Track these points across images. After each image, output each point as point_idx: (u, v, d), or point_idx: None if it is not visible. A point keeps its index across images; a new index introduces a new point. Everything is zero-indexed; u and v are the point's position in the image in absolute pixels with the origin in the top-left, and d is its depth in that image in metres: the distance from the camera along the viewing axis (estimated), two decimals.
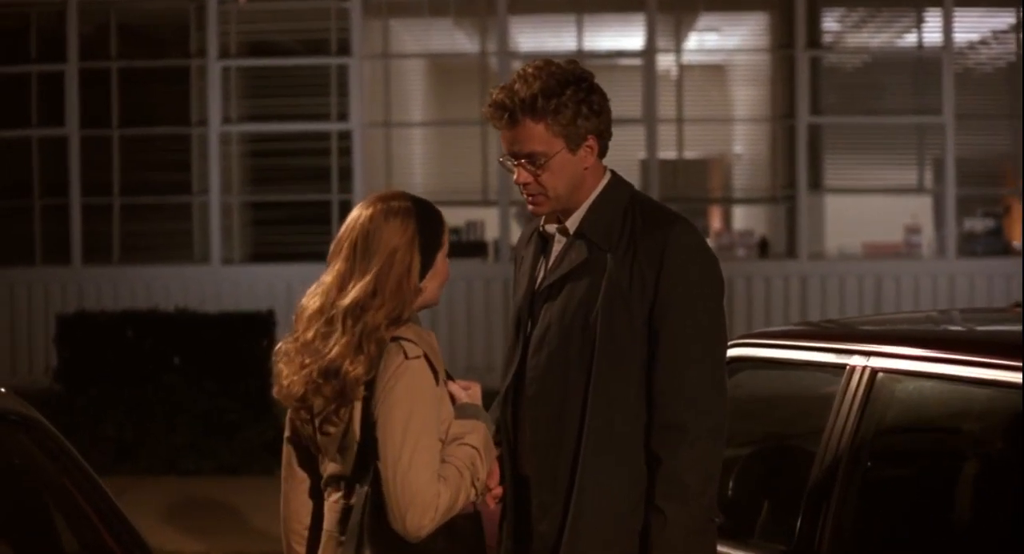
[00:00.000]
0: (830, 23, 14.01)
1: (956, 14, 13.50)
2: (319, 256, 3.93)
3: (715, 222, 16.09)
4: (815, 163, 13.66)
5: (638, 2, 13.70)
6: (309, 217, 13.69)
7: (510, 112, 3.64)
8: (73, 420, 10.71)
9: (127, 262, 13.78)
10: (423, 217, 3.53)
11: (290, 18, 13.96)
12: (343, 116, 13.74)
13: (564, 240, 3.75)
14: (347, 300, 3.42)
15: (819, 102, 13.73)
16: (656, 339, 3.57)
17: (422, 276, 3.51)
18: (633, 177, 13.69)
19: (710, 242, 14.11)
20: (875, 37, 14.30)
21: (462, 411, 3.52)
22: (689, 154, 14.46)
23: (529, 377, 3.71)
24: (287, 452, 3.67)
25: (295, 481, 3.68)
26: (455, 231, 13.82)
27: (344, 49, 13.71)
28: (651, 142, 13.67)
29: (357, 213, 3.53)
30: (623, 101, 13.76)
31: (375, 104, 13.90)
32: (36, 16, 14.00)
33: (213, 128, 13.71)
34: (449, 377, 3.59)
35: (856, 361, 4.08)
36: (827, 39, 13.96)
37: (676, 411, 3.54)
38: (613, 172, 3.79)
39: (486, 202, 13.56)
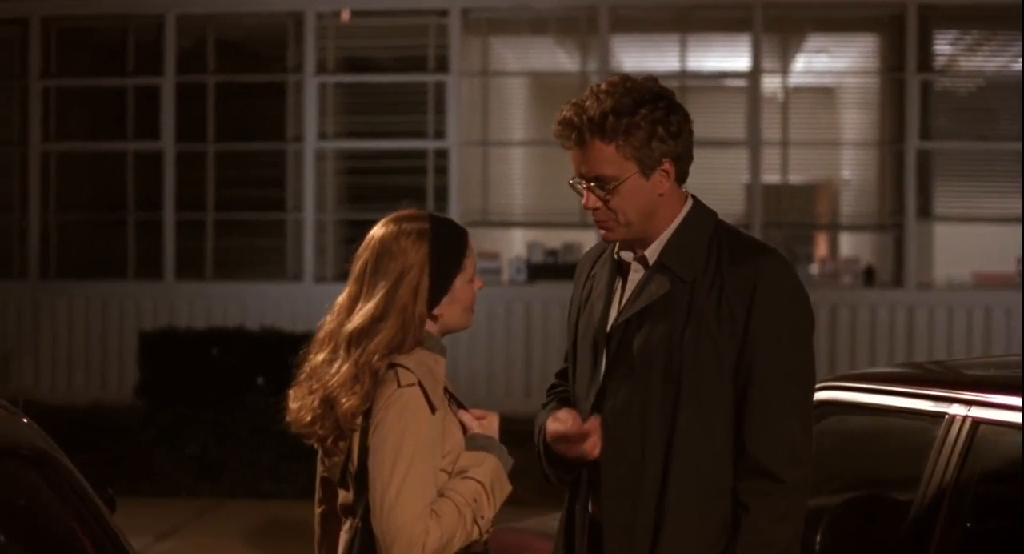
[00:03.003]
0: (942, 46, 13.63)
1: None
2: None
3: (820, 248, 15.76)
4: (924, 189, 13.29)
5: (744, 22, 13.41)
6: None
7: (578, 131, 3.36)
8: (156, 437, 10.65)
9: (219, 278, 13.71)
10: (439, 239, 3.36)
11: (388, 34, 13.85)
12: (440, 134, 13.57)
13: (642, 270, 3.46)
14: (351, 326, 3.30)
15: (929, 127, 13.35)
16: (748, 380, 3.31)
17: (436, 301, 3.34)
18: (736, 201, 13.44)
19: (814, 269, 13.93)
20: (989, 61, 13.90)
21: (472, 442, 3.37)
22: (794, 178, 14.16)
23: (606, 411, 3.43)
24: (318, 472, 3.59)
25: (323, 505, 3.62)
26: (551, 253, 13.61)
27: (442, 66, 13.54)
28: (755, 165, 13.36)
29: (372, 232, 3.39)
30: (727, 123, 13.48)
31: (473, 122, 13.72)
32: (134, 30, 14.00)
33: (309, 144, 13.60)
34: (461, 406, 3.43)
35: (956, 410, 3.79)
36: (939, 62, 13.57)
37: (772, 460, 3.29)
38: (695, 198, 3.49)
39: (584, 224, 13.29)
